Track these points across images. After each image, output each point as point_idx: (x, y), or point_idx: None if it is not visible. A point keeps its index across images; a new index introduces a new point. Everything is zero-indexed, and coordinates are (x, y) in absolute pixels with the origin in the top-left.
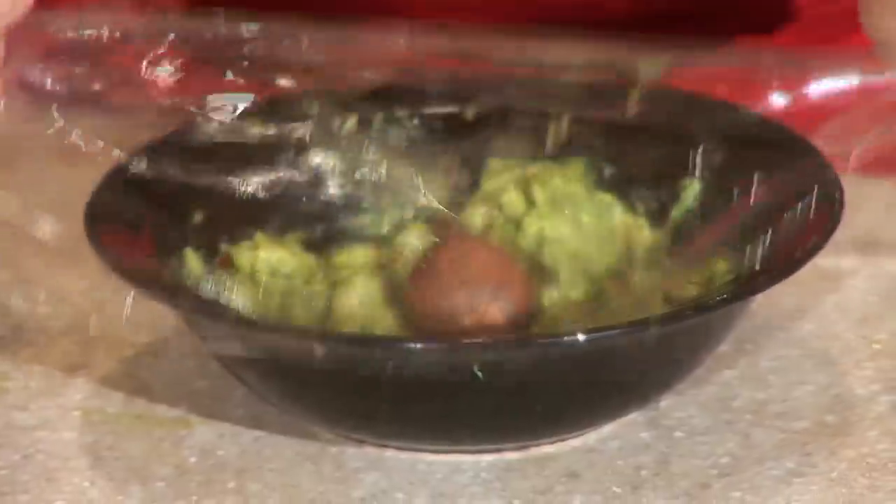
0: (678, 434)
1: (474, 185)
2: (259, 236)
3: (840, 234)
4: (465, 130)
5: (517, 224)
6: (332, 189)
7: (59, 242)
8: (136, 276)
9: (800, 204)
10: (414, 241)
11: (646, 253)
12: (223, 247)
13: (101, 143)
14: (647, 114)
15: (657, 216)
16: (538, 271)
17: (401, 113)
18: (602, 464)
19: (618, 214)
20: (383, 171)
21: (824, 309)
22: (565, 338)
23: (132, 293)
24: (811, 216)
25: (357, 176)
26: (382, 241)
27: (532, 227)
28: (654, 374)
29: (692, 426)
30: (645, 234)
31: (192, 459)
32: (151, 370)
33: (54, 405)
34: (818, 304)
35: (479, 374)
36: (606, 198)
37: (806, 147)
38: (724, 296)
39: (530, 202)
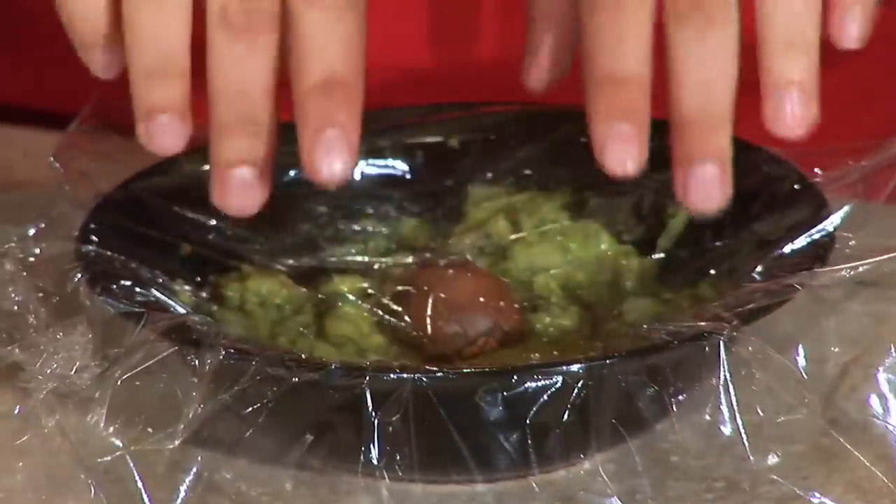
0: (674, 458)
1: (457, 213)
2: (246, 268)
3: (834, 259)
4: (447, 159)
5: (505, 251)
6: (318, 219)
7: None
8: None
9: (790, 233)
10: (400, 269)
11: (635, 280)
12: (212, 278)
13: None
14: None
15: (645, 245)
16: (529, 298)
17: (382, 143)
18: (597, 488)
19: (605, 242)
20: (367, 201)
21: (819, 332)
22: (565, 367)
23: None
24: (802, 245)
25: (342, 206)
26: (368, 271)
27: (521, 255)
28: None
29: (687, 450)
30: (633, 261)
31: (187, 483)
32: (146, 392)
33: (51, 428)
34: (813, 327)
35: (482, 403)
36: (593, 226)
37: (797, 174)
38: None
39: (518, 230)
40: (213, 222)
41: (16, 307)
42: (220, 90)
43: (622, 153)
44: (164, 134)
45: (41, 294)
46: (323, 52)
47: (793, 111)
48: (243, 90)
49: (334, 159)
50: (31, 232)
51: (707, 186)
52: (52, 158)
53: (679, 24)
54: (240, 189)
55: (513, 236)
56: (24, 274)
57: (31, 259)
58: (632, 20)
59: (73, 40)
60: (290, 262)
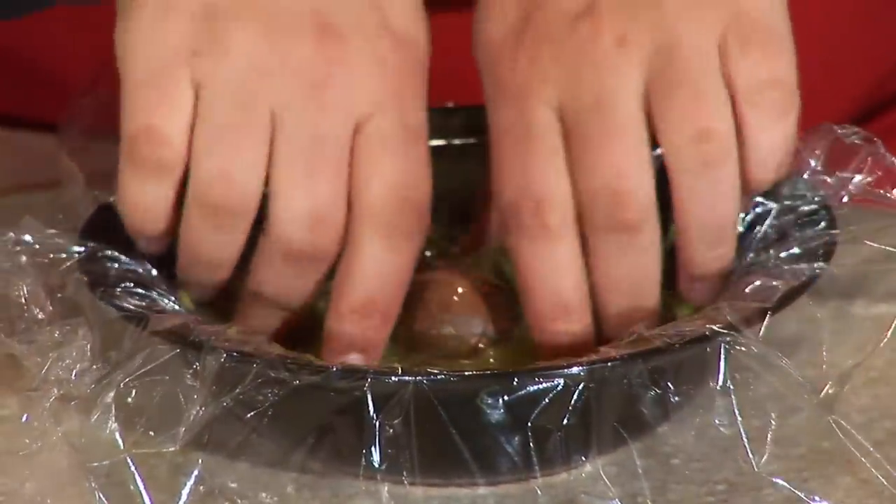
0: (675, 461)
1: (464, 215)
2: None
3: (837, 262)
4: (453, 161)
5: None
6: None
7: None
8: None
9: (792, 234)
10: None
11: None
12: None
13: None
14: None
15: None
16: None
17: None
18: (599, 490)
19: None
20: None
21: (821, 336)
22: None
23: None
24: (804, 247)
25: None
26: None
27: None
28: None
29: (689, 453)
30: None
31: (189, 487)
32: (148, 395)
33: (54, 432)
34: (814, 331)
35: (483, 406)
36: None
37: (800, 179)
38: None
39: None
40: None
41: (23, 300)
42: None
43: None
44: None
45: (49, 291)
46: (372, 280)
47: (702, 293)
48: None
49: None
50: (45, 231)
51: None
52: (65, 157)
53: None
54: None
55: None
56: (35, 269)
57: (43, 257)
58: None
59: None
60: None
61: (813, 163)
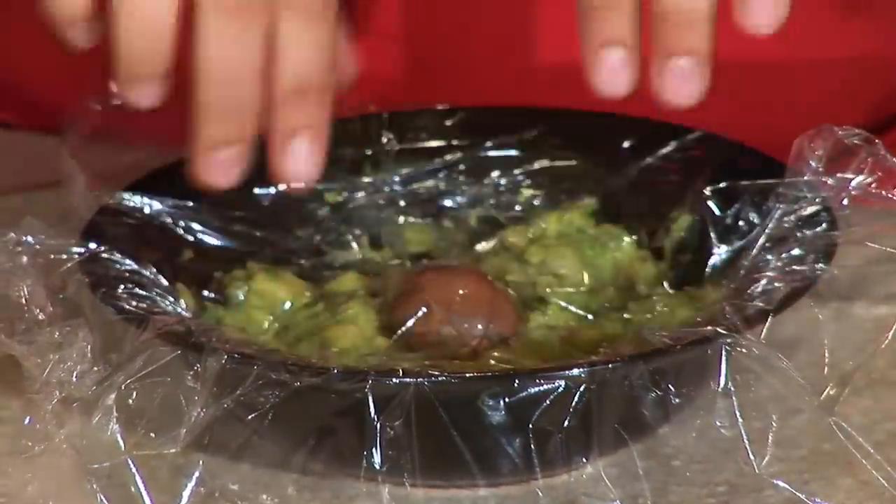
0: (676, 462)
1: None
2: (252, 265)
3: (838, 264)
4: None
5: (520, 253)
6: (320, 224)
7: None
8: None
9: (793, 235)
10: (400, 271)
11: (648, 284)
12: (217, 275)
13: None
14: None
15: (656, 249)
16: (531, 300)
17: (390, 146)
18: (600, 492)
19: (623, 247)
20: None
21: (821, 337)
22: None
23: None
24: (805, 248)
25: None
26: (373, 269)
27: (535, 256)
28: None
29: (690, 454)
30: (647, 265)
31: (190, 488)
32: (148, 398)
33: (56, 434)
34: (815, 333)
35: (484, 407)
36: (615, 231)
37: (801, 181)
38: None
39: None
40: (217, 224)
41: (24, 300)
42: (207, 73)
43: (614, 77)
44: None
45: (50, 292)
46: (294, 60)
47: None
48: (231, 73)
49: (299, 166)
50: (46, 231)
51: (680, 81)
52: (67, 157)
53: None
54: (222, 168)
55: (530, 234)
56: (36, 270)
57: (43, 257)
58: None
59: (53, 17)
60: (293, 265)
61: (813, 163)
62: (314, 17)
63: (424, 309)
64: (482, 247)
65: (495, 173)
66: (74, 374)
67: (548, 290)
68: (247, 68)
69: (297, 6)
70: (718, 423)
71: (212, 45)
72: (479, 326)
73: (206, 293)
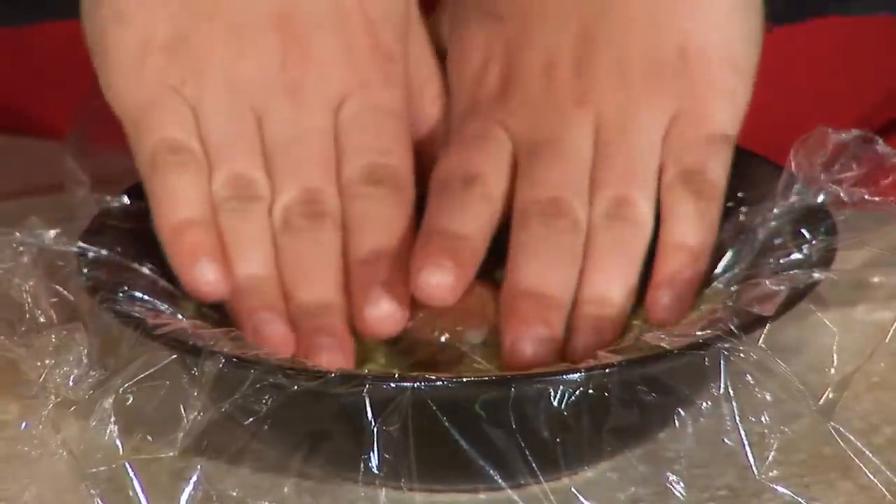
0: (676, 466)
1: None
2: None
3: (837, 267)
4: None
5: None
6: None
7: None
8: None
9: (793, 239)
10: None
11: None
12: None
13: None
14: None
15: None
16: None
17: None
18: (600, 496)
19: None
20: None
21: (822, 340)
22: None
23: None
24: (805, 252)
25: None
26: None
27: None
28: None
29: (690, 458)
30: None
31: (188, 492)
32: (146, 402)
33: (53, 438)
34: (815, 336)
35: (482, 412)
36: None
37: (799, 184)
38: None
39: None
40: None
41: (25, 302)
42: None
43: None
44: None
45: (51, 294)
46: (368, 233)
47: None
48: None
49: (383, 320)
50: (48, 234)
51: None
52: (69, 160)
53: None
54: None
55: None
56: (37, 271)
57: (45, 259)
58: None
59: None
60: None
61: (811, 167)
62: (385, 195)
63: (422, 315)
64: None
65: None
66: (72, 378)
67: None
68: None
69: (364, 193)
70: (718, 428)
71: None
72: (478, 332)
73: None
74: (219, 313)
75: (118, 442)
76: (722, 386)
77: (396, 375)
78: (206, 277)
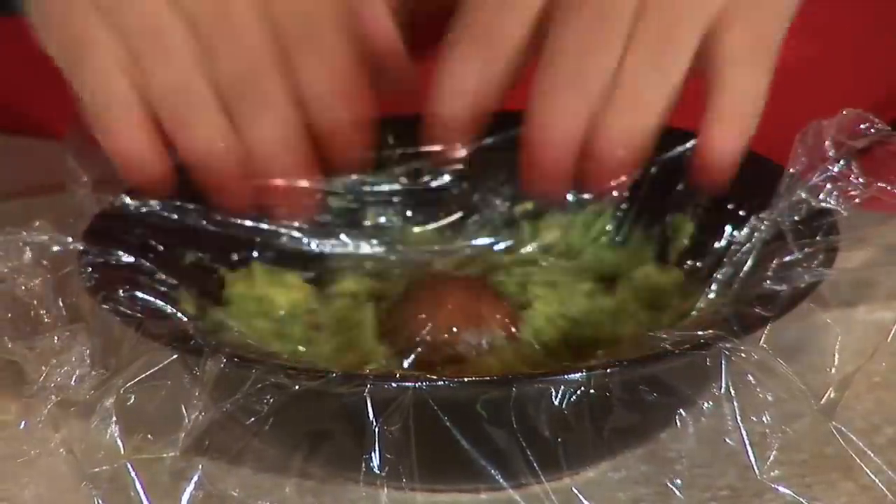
0: (678, 466)
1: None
2: (253, 267)
3: (839, 267)
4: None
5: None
6: (324, 226)
7: None
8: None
9: (792, 242)
10: (400, 275)
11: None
12: (218, 277)
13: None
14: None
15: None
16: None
17: (393, 150)
18: (601, 496)
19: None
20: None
21: (823, 340)
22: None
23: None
24: (806, 253)
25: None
26: (375, 272)
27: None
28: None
29: (692, 458)
30: (672, 274)
31: (189, 492)
32: (148, 401)
33: (53, 438)
34: (817, 336)
35: (483, 411)
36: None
37: (801, 186)
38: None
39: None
40: (218, 226)
41: (28, 301)
42: None
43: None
44: None
45: (52, 294)
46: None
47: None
48: None
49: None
50: (49, 234)
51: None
52: (70, 160)
53: None
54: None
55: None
56: (40, 272)
57: (46, 259)
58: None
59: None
60: (295, 267)
61: (811, 167)
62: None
63: (423, 316)
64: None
65: (501, 176)
66: (73, 378)
67: (537, 293)
68: None
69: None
70: (720, 428)
71: None
72: (478, 332)
73: (207, 296)
74: (219, 313)
75: (119, 442)
76: (723, 386)
77: (398, 375)
78: None
